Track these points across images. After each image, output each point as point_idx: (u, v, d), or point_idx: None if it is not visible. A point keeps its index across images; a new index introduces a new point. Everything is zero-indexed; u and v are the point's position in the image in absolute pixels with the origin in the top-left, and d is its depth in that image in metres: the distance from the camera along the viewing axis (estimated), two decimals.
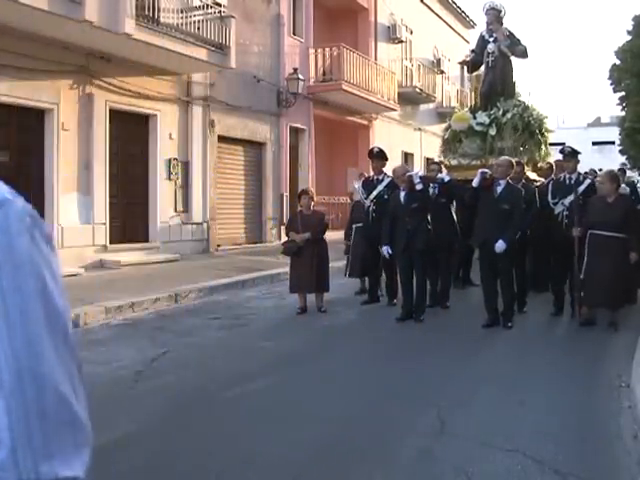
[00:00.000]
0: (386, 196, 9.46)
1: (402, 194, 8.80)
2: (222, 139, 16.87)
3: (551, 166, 11.83)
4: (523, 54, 13.51)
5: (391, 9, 24.61)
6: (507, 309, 8.33)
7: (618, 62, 30.07)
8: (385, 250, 8.95)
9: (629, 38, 29.43)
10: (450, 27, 30.74)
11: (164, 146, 15.05)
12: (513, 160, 8.91)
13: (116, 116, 13.76)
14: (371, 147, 10.29)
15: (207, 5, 14.36)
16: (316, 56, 20.38)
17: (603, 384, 5.92)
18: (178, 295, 10.28)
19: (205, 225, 16.17)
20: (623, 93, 30.49)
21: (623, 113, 31.44)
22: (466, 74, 21.19)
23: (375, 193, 9.73)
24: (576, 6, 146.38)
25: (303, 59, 19.78)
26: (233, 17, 14.97)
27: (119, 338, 7.81)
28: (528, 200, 9.04)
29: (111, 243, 13.51)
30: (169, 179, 15.18)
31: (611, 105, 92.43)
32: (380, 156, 10.01)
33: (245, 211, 18.03)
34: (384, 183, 9.75)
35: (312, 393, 5.72)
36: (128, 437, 4.64)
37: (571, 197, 8.62)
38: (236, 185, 17.77)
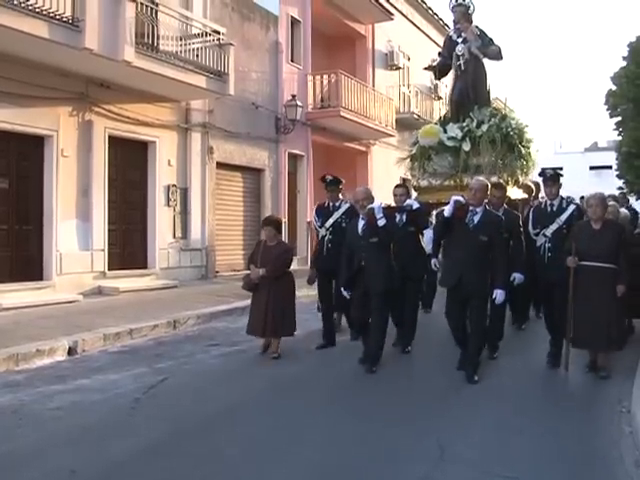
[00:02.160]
0: (344, 224, 8.41)
1: (360, 224, 7.46)
2: (221, 165, 16.91)
3: (531, 188, 10.89)
4: (497, 55, 11.77)
5: (388, 36, 24.82)
6: (473, 358, 6.97)
7: (614, 88, 30.29)
8: (344, 291, 7.62)
9: (624, 64, 29.67)
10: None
11: (163, 172, 15.08)
12: (489, 183, 7.52)
13: (115, 142, 13.80)
14: (323, 175, 9.15)
15: (206, 33, 14.47)
16: (314, 83, 20.51)
17: (603, 409, 5.89)
18: (177, 322, 10.25)
19: (204, 251, 16.16)
20: (619, 118, 30.65)
21: (620, 138, 31.58)
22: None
23: (331, 221, 8.68)
24: (571, 32, 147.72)
25: (301, 86, 19.90)
26: (232, 44, 15.07)
27: (117, 365, 7.75)
28: (511, 230, 7.84)
29: (109, 269, 13.48)
30: (168, 205, 15.19)
31: (608, 130, 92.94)
32: (334, 184, 8.91)
33: (244, 237, 18.03)
34: (342, 210, 8.71)
35: (311, 419, 5.68)
36: (126, 464, 4.61)
37: (554, 227, 7.53)
38: (235, 211, 17.79)
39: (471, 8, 11.68)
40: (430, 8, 28.56)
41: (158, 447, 5.00)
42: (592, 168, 54.05)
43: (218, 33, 14.67)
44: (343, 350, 8.51)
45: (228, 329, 10.23)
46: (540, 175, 8.02)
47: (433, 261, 7.90)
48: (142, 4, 12.46)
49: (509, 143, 11.19)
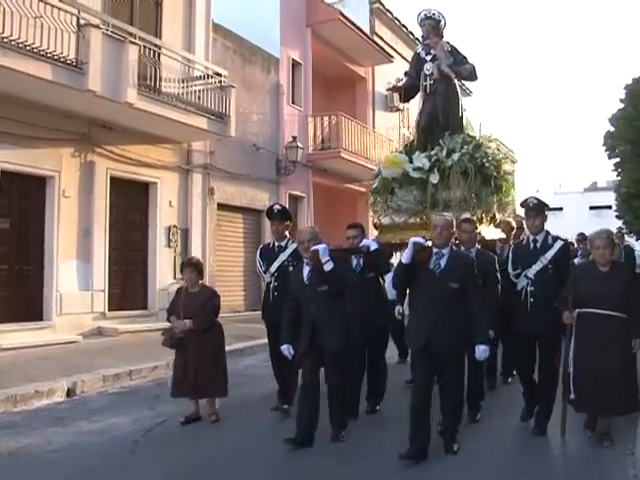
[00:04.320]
0: (291, 268, 7.09)
1: (306, 270, 6.24)
2: (221, 207, 16.96)
3: (511, 225, 9.18)
4: (471, 75, 10.35)
5: (388, 78, 25.05)
6: (451, 426, 5.74)
7: (612, 129, 30.58)
8: (286, 350, 6.27)
9: (622, 106, 30.00)
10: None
11: (164, 213, 15.12)
12: (453, 219, 6.12)
13: (117, 183, 13.86)
14: (271, 204, 8.02)
15: (208, 75, 14.64)
16: (315, 124, 20.69)
17: (607, 452, 5.81)
18: None
19: None
20: (618, 159, 30.90)
21: (619, 178, 31.79)
22: None
23: (276, 265, 7.30)
24: (570, 74, 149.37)
25: (302, 127, 20.06)
26: (233, 87, 15.23)
27: (116, 407, 7.69)
28: (485, 273, 6.69)
29: (109, 310, 13.44)
30: (168, 246, 15.20)
31: (607, 170, 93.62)
32: (281, 216, 7.57)
33: (244, 278, 17.99)
34: (288, 251, 7.32)
35: (312, 468, 5.59)
36: None
37: (537, 266, 6.34)
38: (235, 252, 17.79)
39: (442, 22, 10.22)
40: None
41: None
42: (592, 208, 54.26)
43: (220, 75, 14.84)
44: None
45: (228, 371, 10.15)
46: (522, 205, 6.76)
47: (397, 308, 7.40)
48: (145, 47, 12.65)
49: (484, 175, 9.52)
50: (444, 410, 5.73)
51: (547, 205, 6.71)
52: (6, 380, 8.26)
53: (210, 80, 14.63)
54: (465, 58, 10.19)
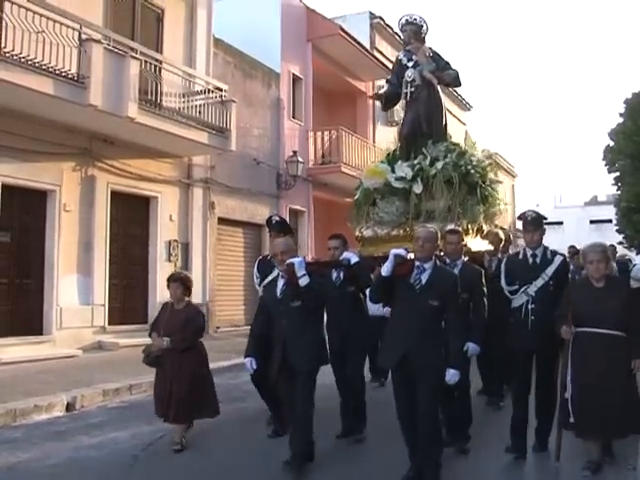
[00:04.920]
0: None
1: (280, 284, 5.92)
2: (222, 221, 16.98)
3: (499, 237, 8.76)
4: (454, 81, 9.98)
5: None
6: (429, 462, 5.16)
7: (611, 143, 30.66)
8: (248, 363, 6.00)
9: (621, 120, 30.09)
10: (446, 109, 31.30)
11: (164, 228, 15.14)
12: (437, 231, 5.67)
13: (117, 198, 13.89)
14: (270, 215, 7.63)
15: (208, 90, 14.69)
16: (315, 139, 20.76)
17: (609, 467, 5.78)
18: None
19: (205, 306, 16.08)
20: (618, 173, 30.96)
21: (618, 192, 31.85)
22: None
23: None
24: (570, 89, 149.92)
25: (302, 142, 20.12)
26: (234, 101, 15.30)
27: (116, 421, 7.66)
28: (471, 287, 6.38)
29: (110, 324, 13.42)
30: (169, 260, 15.20)
31: (607, 184, 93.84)
32: (280, 228, 7.51)
33: (244, 293, 17.96)
34: None
35: None
36: None
37: (539, 283, 6.07)
38: (236, 267, 17.78)
39: (424, 27, 9.73)
40: None
41: None
42: (592, 222, 54.34)
43: (220, 90, 14.90)
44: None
45: (228, 385, 10.11)
46: (519, 218, 6.50)
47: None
48: (146, 62, 12.72)
49: (469, 184, 8.97)
50: (418, 443, 5.18)
51: (546, 218, 6.50)
52: (6, 394, 8.23)
53: (211, 95, 14.69)
54: (448, 63, 9.74)
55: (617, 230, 32.26)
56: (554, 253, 6.29)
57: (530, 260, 6.23)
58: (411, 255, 5.45)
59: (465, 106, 34.18)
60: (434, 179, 8.92)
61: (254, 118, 18.19)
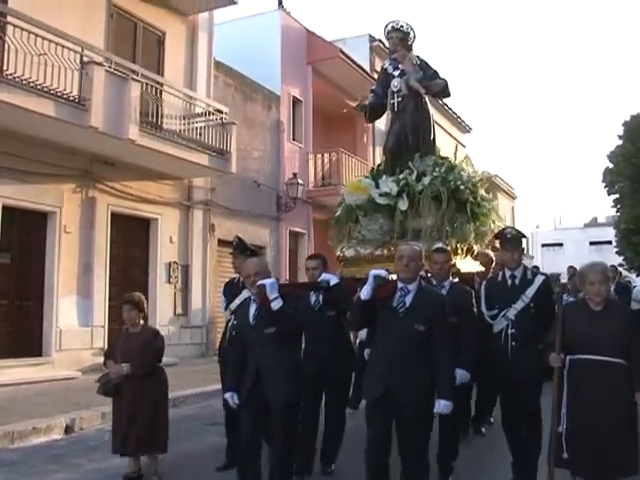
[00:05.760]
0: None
1: (252, 308, 5.31)
2: (222, 243, 16.94)
3: (490, 258, 8.18)
4: (443, 91, 9.10)
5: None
6: None
7: (611, 165, 30.73)
8: (230, 398, 5.30)
9: (620, 142, 30.17)
10: (446, 132, 31.41)
11: (164, 249, 15.13)
12: (422, 249, 5.21)
13: (117, 219, 13.90)
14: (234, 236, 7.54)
15: (209, 112, 14.76)
16: (315, 161, 20.83)
17: None
18: (176, 400, 10.06)
19: (204, 328, 16.06)
20: (617, 195, 30.99)
21: (618, 214, 31.87)
22: None
23: (238, 302, 6.43)
24: (570, 111, 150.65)
25: (302, 164, 20.18)
26: (234, 123, 15.36)
27: None
28: (460, 310, 5.82)
29: (109, 346, 13.36)
30: (169, 282, 15.19)
31: (606, 205, 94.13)
32: (242, 249, 7.00)
33: None
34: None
35: None
36: None
37: (519, 305, 5.65)
38: None
39: (410, 34, 9.03)
40: None
41: None
42: (592, 243, 54.35)
43: (221, 112, 14.96)
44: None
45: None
46: (497, 237, 6.11)
47: (366, 351, 6.39)
48: (147, 84, 12.78)
49: (459, 200, 8.26)
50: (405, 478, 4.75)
51: (525, 237, 6.15)
52: (4, 416, 8.18)
53: (211, 117, 14.76)
54: (436, 72, 8.99)
55: (617, 252, 32.24)
56: (535, 273, 5.96)
57: (509, 282, 5.84)
58: (393, 276, 5.00)
59: (465, 128, 34.32)
60: (421, 195, 8.24)
61: (254, 140, 18.26)
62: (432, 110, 9.20)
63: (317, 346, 6.11)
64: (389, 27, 8.96)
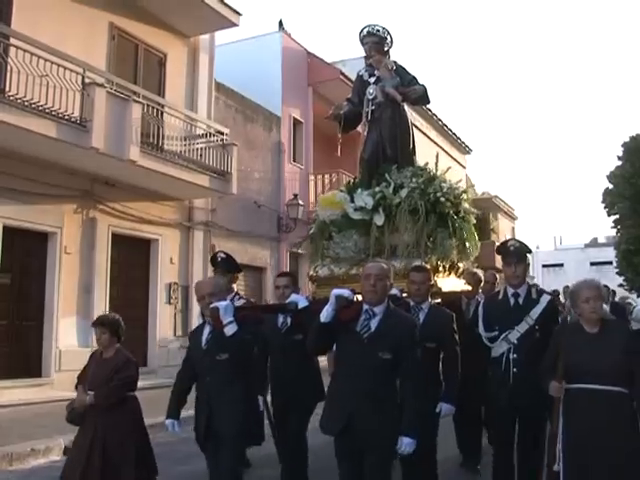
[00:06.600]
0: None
1: (206, 332, 5.05)
2: None
3: (477, 276, 7.55)
4: (421, 98, 8.46)
5: None
6: None
7: (610, 186, 30.80)
8: (170, 426, 5.21)
9: (619, 163, 30.29)
10: (446, 153, 31.50)
11: (165, 270, 15.13)
12: (391, 267, 4.62)
13: (118, 240, 13.90)
14: (215, 252, 6.91)
15: (210, 133, 14.81)
16: (316, 182, 20.88)
17: None
18: None
19: None
20: (617, 216, 31.03)
21: (618, 235, 31.91)
22: None
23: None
24: (570, 132, 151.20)
25: (303, 185, 20.22)
26: (235, 145, 15.41)
27: None
28: (440, 335, 5.40)
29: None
30: (169, 303, 15.16)
31: (607, 226, 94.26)
32: (226, 266, 6.75)
33: None
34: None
35: None
36: None
37: (522, 328, 5.12)
38: None
39: (387, 39, 8.49)
40: (429, 109, 29.28)
41: None
42: (593, 264, 54.33)
43: (222, 134, 15.02)
44: None
45: None
46: (498, 251, 5.58)
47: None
48: (148, 105, 12.83)
49: (440, 214, 7.58)
50: None
51: (530, 251, 5.58)
52: (2, 437, 8.13)
53: (212, 138, 14.82)
54: (415, 78, 8.39)
55: (617, 272, 32.22)
56: (540, 292, 5.36)
57: (512, 301, 5.28)
58: (359, 296, 4.50)
59: (465, 149, 34.42)
60: (398, 209, 7.59)
61: (255, 161, 18.31)
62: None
63: (281, 371, 5.82)
64: (364, 32, 8.45)
